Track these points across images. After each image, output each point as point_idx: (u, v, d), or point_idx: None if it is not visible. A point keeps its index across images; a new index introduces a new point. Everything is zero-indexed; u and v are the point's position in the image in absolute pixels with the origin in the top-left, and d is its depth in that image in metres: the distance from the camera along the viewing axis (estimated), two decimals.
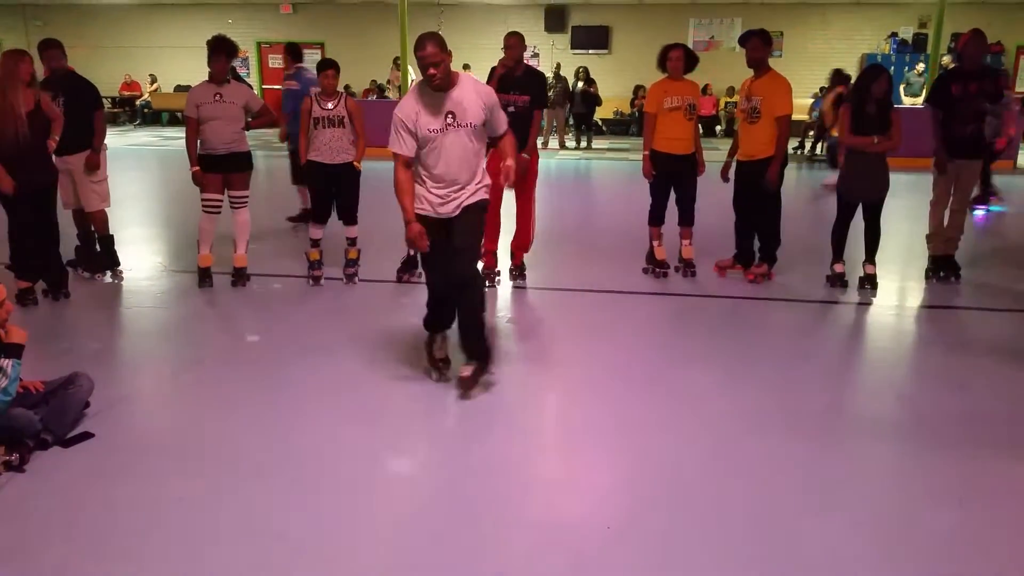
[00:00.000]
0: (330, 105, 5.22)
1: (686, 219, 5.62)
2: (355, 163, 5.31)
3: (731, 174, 5.56)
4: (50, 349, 4.15)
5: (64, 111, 5.20)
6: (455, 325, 3.68)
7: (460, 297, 3.59)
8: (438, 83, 3.37)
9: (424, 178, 3.55)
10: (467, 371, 3.61)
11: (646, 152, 5.42)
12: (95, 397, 3.36)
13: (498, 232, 5.44)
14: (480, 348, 3.64)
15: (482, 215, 3.64)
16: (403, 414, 3.49)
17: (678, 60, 5.31)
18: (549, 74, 14.84)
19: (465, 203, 3.55)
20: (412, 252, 5.62)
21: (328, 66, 5.25)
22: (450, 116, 3.43)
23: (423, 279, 5.58)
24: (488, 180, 3.64)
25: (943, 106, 5.48)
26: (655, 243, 5.69)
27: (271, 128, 7.32)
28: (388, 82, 16.91)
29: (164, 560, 2.44)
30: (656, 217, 5.61)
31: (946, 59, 13.70)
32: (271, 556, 2.46)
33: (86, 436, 3.17)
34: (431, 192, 3.53)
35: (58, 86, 5.27)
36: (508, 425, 3.43)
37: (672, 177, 5.46)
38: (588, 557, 2.47)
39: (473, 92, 3.48)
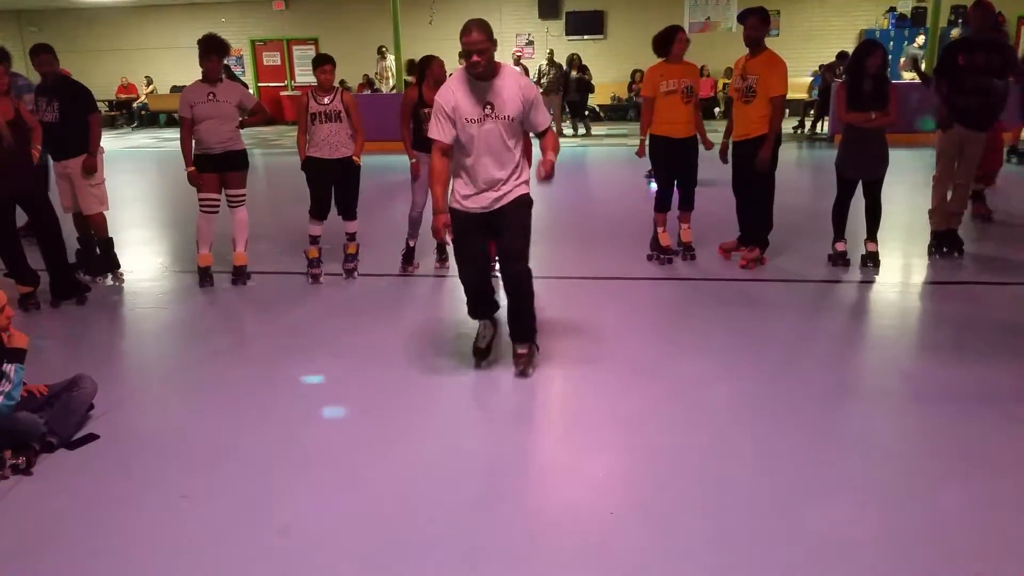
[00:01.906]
0: (326, 100, 5.20)
1: (686, 203, 5.59)
2: (354, 158, 5.30)
3: (729, 155, 5.53)
4: (53, 352, 4.16)
5: (59, 116, 5.20)
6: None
7: (509, 288, 3.63)
8: (481, 71, 3.34)
9: (459, 170, 3.55)
10: (523, 349, 3.73)
11: (642, 137, 5.39)
12: (99, 399, 3.36)
13: None
14: (527, 331, 3.73)
15: (527, 210, 3.57)
16: (405, 407, 3.49)
17: (684, 42, 5.26)
18: (543, 61, 14.78)
19: (506, 199, 3.53)
20: (412, 244, 5.62)
21: (324, 61, 5.22)
22: (489, 107, 3.39)
23: (419, 272, 5.63)
24: (528, 175, 3.61)
25: (948, 76, 5.45)
26: (660, 229, 5.66)
27: (267, 126, 7.31)
28: (377, 75, 16.80)
29: (170, 558, 2.45)
30: (663, 204, 5.57)
31: (955, 32, 13.58)
32: (277, 552, 2.47)
33: (91, 438, 3.18)
34: (464, 186, 3.54)
35: (52, 91, 5.27)
36: (512, 413, 3.43)
37: (672, 161, 5.43)
38: (592, 543, 2.47)
39: (515, 85, 3.41)
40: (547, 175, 3.44)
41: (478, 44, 3.28)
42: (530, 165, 3.64)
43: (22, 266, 4.86)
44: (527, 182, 3.59)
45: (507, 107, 3.39)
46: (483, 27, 3.32)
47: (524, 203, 3.56)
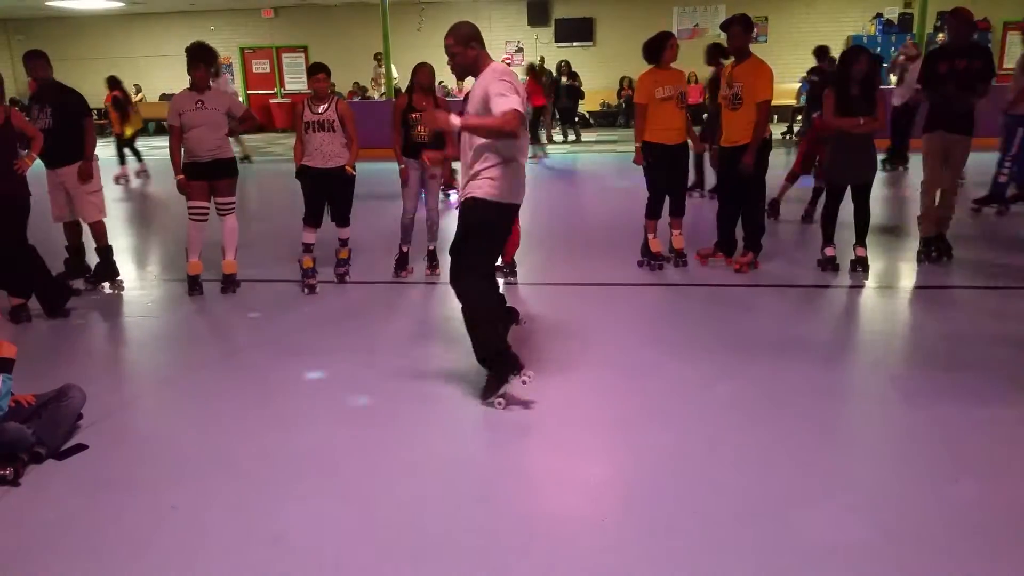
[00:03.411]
0: (321, 109, 5.18)
1: (677, 210, 5.62)
2: (348, 167, 5.26)
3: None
4: (42, 361, 4.13)
5: (52, 122, 5.15)
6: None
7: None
8: (455, 73, 3.44)
9: None
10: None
11: (638, 144, 5.41)
12: (87, 409, 3.34)
13: None
14: (477, 352, 3.49)
15: (471, 217, 3.34)
16: (398, 414, 3.48)
17: (675, 49, 5.29)
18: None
19: (461, 197, 3.47)
20: (405, 249, 5.62)
21: (318, 70, 5.19)
22: (467, 102, 3.46)
23: (411, 278, 5.62)
24: (489, 175, 3.32)
25: (931, 83, 5.52)
26: (650, 236, 5.67)
27: (257, 133, 7.29)
28: (373, 80, 16.78)
29: (161, 570, 2.42)
30: (653, 210, 5.58)
31: (940, 36, 13.72)
32: (269, 562, 2.45)
33: (80, 448, 3.16)
34: None
35: (44, 97, 5.23)
36: (502, 421, 3.42)
37: (667, 168, 5.45)
38: (584, 550, 2.47)
39: (482, 84, 3.30)
40: (436, 123, 3.30)
41: (449, 48, 3.34)
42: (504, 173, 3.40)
43: (14, 277, 4.81)
44: (488, 182, 3.32)
45: (472, 105, 3.37)
46: (457, 31, 3.32)
47: (467, 208, 3.36)
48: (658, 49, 5.29)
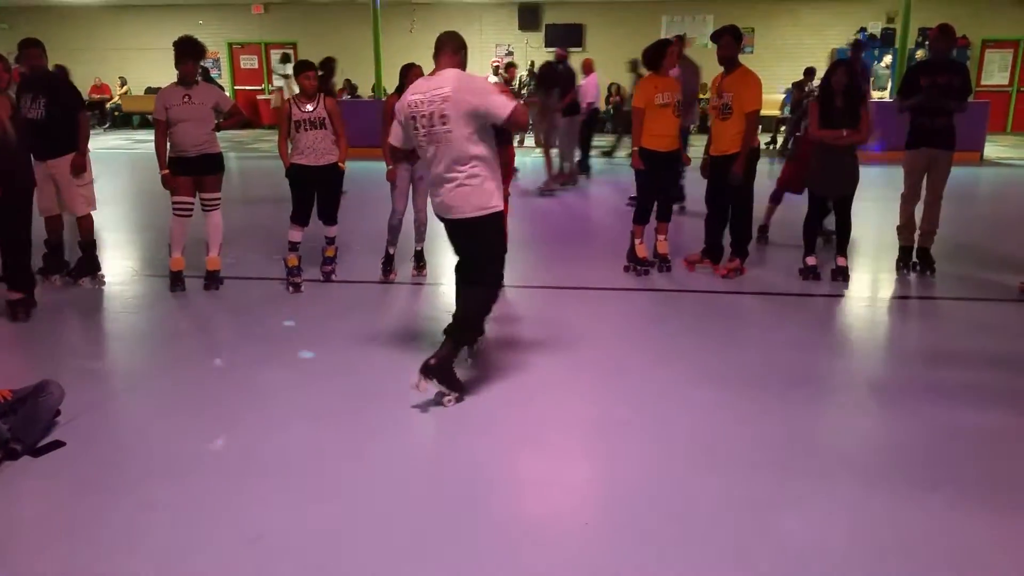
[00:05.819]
0: (309, 107, 5.17)
1: (664, 215, 5.65)
2: (340, 164, 5.30)
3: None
4: (19, 356, 4.08)
5: (45, 113, 5.09)
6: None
7: None
8: None
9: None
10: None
11: (635, 148, 5.44)
12: (66, 405, 3.31)
13: None
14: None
15: None
16: (380, 415, 3.47)
17: (675, 56, 5.34)
18: (523, 72, 14.83)
19: None
20: (391, 251, 5.60)
21: (307, 67, 5.18)
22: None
23: (397, 279, 5.61)
24: None
25: (911, 95, 5.59)
26: (637, 241, 5.69)
27: (244, 129, 7.23)
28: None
29: (139, 568, 2.40)
30: (642, 216, 5.61)
31: (920, 53, 13.92)
32: (248, 560, 2.44)
33: (57, 445, 3.12)
34: None
35: (38, 87, 5.15)
36: (485, 424, 3.42)
37: (658, 174, 5.48)
38: (566, 553, 2.48)
39: None
40: None
41: None
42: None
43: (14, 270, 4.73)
44: None
45: None
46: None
47: None
48: (658, 56, 5.35)
